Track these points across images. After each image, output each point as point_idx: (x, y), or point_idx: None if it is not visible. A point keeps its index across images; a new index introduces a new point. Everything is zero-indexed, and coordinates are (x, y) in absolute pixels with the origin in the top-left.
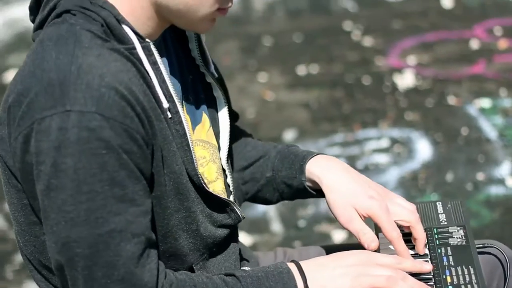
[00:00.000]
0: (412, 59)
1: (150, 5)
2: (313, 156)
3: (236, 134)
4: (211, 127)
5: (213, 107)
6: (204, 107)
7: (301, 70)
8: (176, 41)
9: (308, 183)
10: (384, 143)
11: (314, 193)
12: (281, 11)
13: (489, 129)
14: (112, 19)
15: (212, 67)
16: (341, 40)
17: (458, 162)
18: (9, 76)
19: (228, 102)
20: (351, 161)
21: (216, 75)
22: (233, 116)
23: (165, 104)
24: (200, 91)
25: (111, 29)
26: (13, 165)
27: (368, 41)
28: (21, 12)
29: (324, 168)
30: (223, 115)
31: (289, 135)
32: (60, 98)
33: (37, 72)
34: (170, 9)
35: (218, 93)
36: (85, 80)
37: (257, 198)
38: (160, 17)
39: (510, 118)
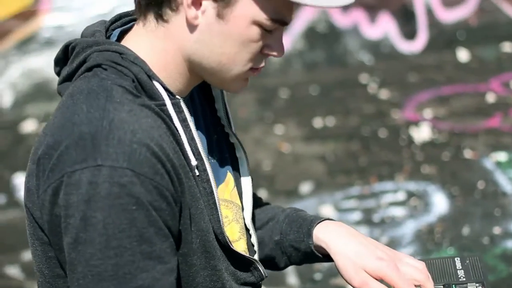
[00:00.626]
0: (428, 112)
1: (183, 61)
2: (320, 221)
3: None
4: (235, 187)
5: (236, 167)
6: (228, 167)
7: (318, 122)
8: (203, 98)
9: (315, 248)
10: (401, 196)
11: (322, 257)
12: (298, 63)
13: (505, 182)
14: (143, 75)
15: (234, 130)
16: (357, 92)
17: (475, 216)
18: (27, 125)
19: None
20: (367, 214)
21: (236, 136)
22: None
23: (194, 162)
24: (225, 150)
25: (142, 85)
26: (40, 217)
27: (384, 94)
28: (39, 63)
29: (332, 234)
30: (246, 175)
31: (305, 188)
32: (92, 152)
33: (68, 125)
34: (203, 67)
35: (241, 154)
36: (116, 135)
37: (266, 261)
38: (192, 74)
39: None
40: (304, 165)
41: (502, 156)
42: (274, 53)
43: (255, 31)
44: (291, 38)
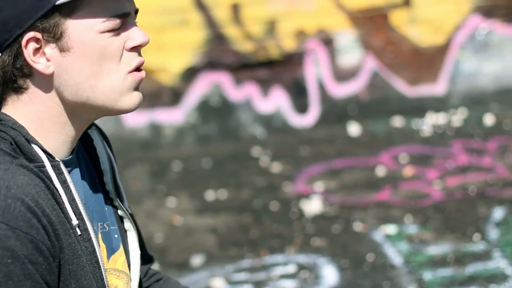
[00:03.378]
0: (319, 186)
1: (60, 109)
2: None
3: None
4: (126, 259)
5: (125, 239)
6: (120, 238)
7: (210, 195)
8: (93, 170)
9: None
10: (291, 268)
11: None
12: (191, 137)
13: (394, 255)
14: (21, 138)
15: (126, 203)
16: (249, 166)
17: None
18: None
19: (141, 240)
20: (258, 286)
21: (130, 211)
22: (149, 259)
23: (75, 221)
24: (116, 222)
25: (20, 148)
26: None
27: (276, 167)
28: None
29: None
30: (134, 248)
31: (196, 260)
32: None
33: None
34: (81, 103)
35: (129, 227)
36: None
37: None
38: (75, 118)
39: (415, 245)
40: (196, 237)
41: (391, 229)
42: (138, 43)
43: (103, 38)
44: (184, 111)
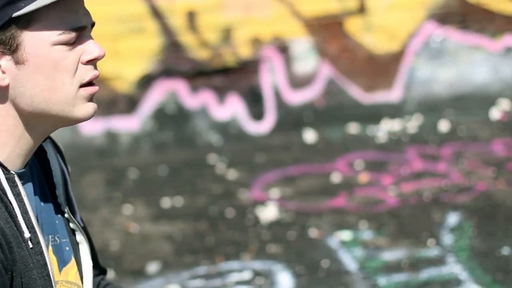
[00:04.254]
0: (275, 192)
1: (16, 121)
2: None
3: None
4: (78, 271)
5: (77, 252)
6: (71, 250)
7: (166, 202)
8: (46, 183)
9: None
10: (246, 275)
11: None
12: (147, 144)
13: (349, 261)
14: None
15: (78, 216)
16: (205, 173)
17: None
18: None
19: (93, 252)
20: None
21: (82, 224)
22: (102, 271)
23: (27, 234)
24: (67, 235)
25: None
26: None
27: (232, 174)
28: None
29: None
30: (86, 260)
31: (152, 268)
32: None
33: None
34: (36, 114)
35: (81, 239)
36: None
37: None
38: (31, 130)
39: (370, 250)
40: (152, 245)
41: (346, 235)
42: (92, 56)
43: (58, 51)
44: (140, 119)
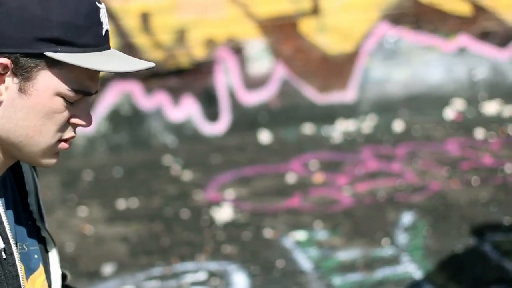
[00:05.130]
0: (230, 193)
1: None
2: None
3: None
4: (45, 279)
5: (47, 260)
6: (39, 258)
7: (121, 204)
8: (17, 191)
9: None
10: (202, 276)
11: None
12: (102, 146)
13: (304, 261)
14: None
15: (47, 224)
16: (160, 174)
17: None
18: None
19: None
20: None
21: (48, 232)
22: (63, 276)
23: (1, 245)
24: (36, 243)
25: None
26: None
27: (187, 175)
28: None
29: None
30: (55, 269)
31: (108, 269)
32: None
33: None
34: (11, 142)
35: (51, 247)
36: None
37: None
38: (3, 153)
39: (325, 250)
40: (107, 246)
41: (301, 235)
42: (82, 123)
43: (59, 103)
44: (95, 120)
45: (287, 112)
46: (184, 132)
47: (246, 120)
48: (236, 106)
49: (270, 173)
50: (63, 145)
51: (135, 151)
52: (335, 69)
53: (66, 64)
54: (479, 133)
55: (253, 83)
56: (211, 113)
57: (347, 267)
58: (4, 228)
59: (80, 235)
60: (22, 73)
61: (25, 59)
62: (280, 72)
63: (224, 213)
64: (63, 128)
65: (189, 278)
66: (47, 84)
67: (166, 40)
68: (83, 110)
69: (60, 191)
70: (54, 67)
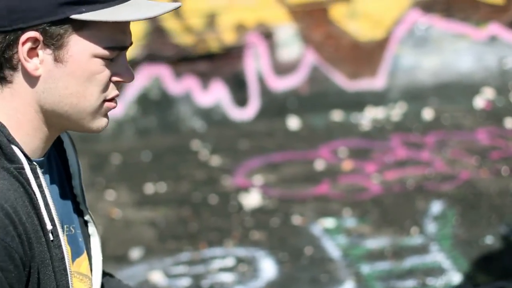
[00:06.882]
0: (258, 179)
1: (37, 115)
2: None
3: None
4: (89, 263)
5: (88, 244)
6: (83, 242)
7: (149, 188)
8: (63, 172)
9: None
10: (229, 262)
11: None
12: (130, 129)
13: (332, 248)
14: (3, 139)
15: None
16: (188, 159)
17: (302, 282)
18: None
19: None
20: (197, 279)
21: (92, 216)
22: None
23: (49, 226)
24: (79, 226)
25: (2, 148)
26: None
27: (215, 161)
28: None
29: None
30: (96, 253)
31: (135, 254)
32: None
33: None
34: (57, 114)
35: (93, 231)
36: None
37: None
38: (50, 126)
39: (353, 238)
40: (135, 230)
41: (329, 223)
42: (123, 79)
43: (97, 64)
44: (123, 104)
45: (316, 98)
46: (212, 117)
47: (275, 106)
48: (265, 91)
49: (298, 159)
50: (110, 104)
51: (163, 135)
52: (365, 56)
53: (95, 23)
54: (509, 122)
55: (282, 69)
56: (240, 98)
57: (376, 256)
58: (50, 209)
59: (108, 218)
60: (54, 43)
61: (53, 27)
62: (310, 58)
63: (252, 199)
64: (105, 88)
65: (217, 264)
66: (81, 48)
67: (196, 24)
68: (122, 65)
69: (88, 175)
70: (84, 29)
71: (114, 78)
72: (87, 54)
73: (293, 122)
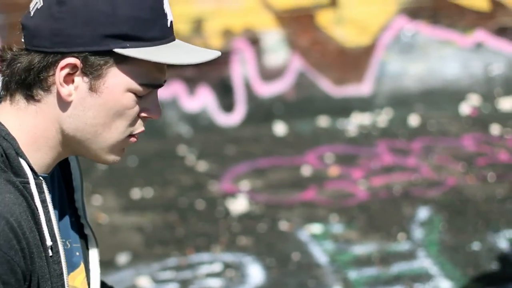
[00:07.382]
0: (245, 184)
1: (56, 135)
2: None
3: None
4: (85, 278)
5: (87, 258)
6: (81, 256)
7: (136, 193)
8: (64, 186)
9: None
10: (217, 267)
11: None
12: None
13: (319, 254)
14: (11, 151)
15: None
16: (175, 164)
17: (290, 287)
18: None
19: None
20: (184, 285)
21: (92, 229)
22: None
23: (49, 242)
24: (78, 240)
25: (10, 161)
26: None
27: (201, 166)
28: None
29: None
30: (95, 266)
31: (122, 259)
32: None
33: None
34: (78, 139)
35: (93, 246)
36: None
37: None
38: (65, 147)
39: (340, 244)
40: (121, 236)
41: (316, 228)
42: (152, 116)
43: (130, 98)
44: None
45: (302, 104)
46: (199, 122)
47: (261, 111)
48: (251, 97)
49: (285, 165)
50: (133, 140)
51: (150, 140)
52: (352, 62)
53: (135, 59)
54: (495, 129)
55: (269, 75)
56: (227, 103)
57: (363, 261)
58: (52, 226)
59: (95, 224)
60: (92, 72)
61: (94, 57)
62: (296, 64)
63: (239, 205)
64: (133, 123)
65: (204, 269)
66: (117, 81)
67: (183, 30)
68: (153, 102)
69: None
70: (124, 63)
71: (143, 114)
72: (122, 87)
73: (280, 128)
